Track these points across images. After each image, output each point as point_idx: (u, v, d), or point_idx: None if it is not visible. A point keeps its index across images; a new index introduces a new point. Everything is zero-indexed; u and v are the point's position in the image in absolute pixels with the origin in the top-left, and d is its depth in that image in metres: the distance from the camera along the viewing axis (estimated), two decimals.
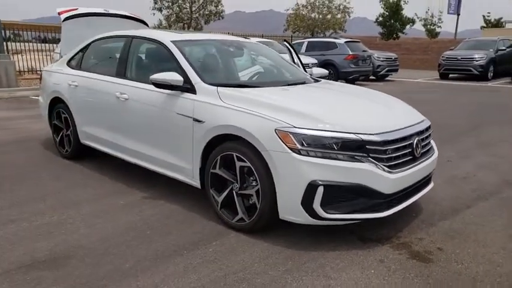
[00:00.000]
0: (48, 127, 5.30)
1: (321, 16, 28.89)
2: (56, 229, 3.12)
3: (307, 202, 2.68)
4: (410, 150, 2.97)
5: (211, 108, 3.14)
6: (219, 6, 27.04)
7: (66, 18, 5.08)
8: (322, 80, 4.16)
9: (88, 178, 4.28)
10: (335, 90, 3.89)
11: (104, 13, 5.41)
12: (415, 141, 3.02)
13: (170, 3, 27.08)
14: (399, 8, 28.26)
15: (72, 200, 3.69)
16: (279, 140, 2.71)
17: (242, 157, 2.93)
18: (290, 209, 2.76)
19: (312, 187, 2.64)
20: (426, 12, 30.34)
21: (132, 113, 3.80)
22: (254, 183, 2.95)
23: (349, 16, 29.17)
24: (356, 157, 2.69)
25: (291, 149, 2.68)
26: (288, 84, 3.76)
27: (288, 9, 31.19)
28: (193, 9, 27.12)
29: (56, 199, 3.71)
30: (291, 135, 2.69)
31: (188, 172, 3.40)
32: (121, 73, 4.03)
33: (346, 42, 14.39)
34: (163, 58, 3.76)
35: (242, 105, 3.01)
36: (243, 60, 4.28)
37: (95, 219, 3.29)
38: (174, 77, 3.32)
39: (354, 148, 2.70)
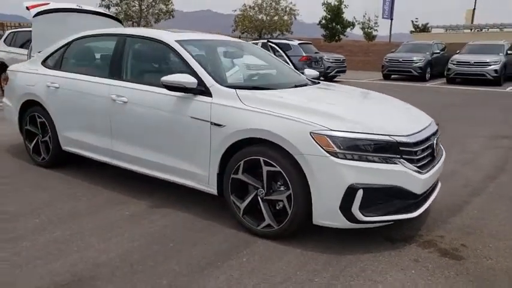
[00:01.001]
0: (14, 132, 4.81)
1: (268, 18, 29.30)
2: (65, 246, 2.82)
3: (345, 206, 2.66)
4: (431, 150, 3.06)
5: (232, 111, 3.01)
6: (169, 5, 26.33)
7: (38, 14, 4.64)
8: (322, 82, 4.17)
9: (76, 187, 3.93)
10: (345, 92, 3.90)
11: (78, 9, 5.01)
12: (435, 142, 3.12)
13: (118, 1, 25.91)
14: (340, 12, 29.43)
15: (69, 213, 3.37)
16: (315, 143, 2.66)
17: (271, 161, 2.83)
18: (326, 213, 2.72)
19: (351, 191, 2.62)
20: (363, 16, 31.96)
21: (132, 117, 3.54)
22: (283, 188, 2.88)
23: (295, 18, 29.90)
24: (390, 159, 2.71)
25: (328, 152, 2.64)
26: (296, 86, 3.71)
27: (235, 10, 31.29)
28: (143, 7, 26.20)
29: (50, 212, 3.36)
30: (327, 138, 2.65)
31: (203, 178, 3.24)
32: (115, 74, 3.74)
33: (299, 44, 14.66)
34: (167, 59, 3.56)
35: (268, 107, 2.92)
36: (245, 61, 4.16)
37: (105, 233, 3.03)
38: (187, 79, 3.15)
39: (389, 150, 2.72)
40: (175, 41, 3.51)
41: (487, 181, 4.44)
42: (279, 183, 2.91)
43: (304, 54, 14.33)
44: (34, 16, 4.62)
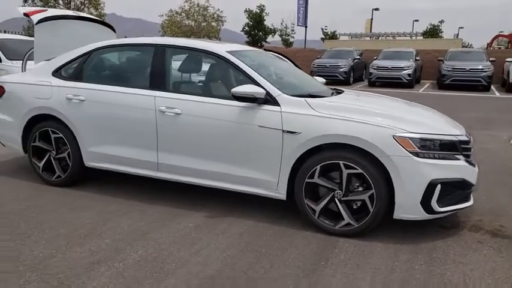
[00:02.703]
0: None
1: (196, 23, 29.15)
2: (162, 264, 2.74)
3: (426, 200, 2.99)
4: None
5: (307, 118, 3.18)
6: (99, 10, 24.73)
7: (40, 21, 4.28)
8: (345, 90, 4.46)
9: (113, 204, 3.73)
10: (382, 98, 4.16)
11: (78, 16, 4.72)
12: (471, 139, 3.61)
13: (43, 3, 23.61)
14: (262, 19, 30.44)
15: (132, 230, 3.23)
16: (399, 145, 2.96)
17: (352, 164, 3.06)
18: (408, 208, 3.03)
19: (431, 186, 2.97)
20: (281, 23, 33.40)
21: (188, 128, 3.50)
22: (361, 189, 3.13)
23: (223, 25, 30.22)
24: (456, 156, 3.12)
25: (411, 152, 2.95)
26: (332, 94, 3.95)
27: (161, 15, 30.61)
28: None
29: (111, 232, 3.20)
30: (409, 140, 2.97)
31: (271, 185, 3.35)
32: (160, 85, 3.64)
33: None
34: (219, 70, 3.59)
35: (343, 114, 3.14)
36: (277, 70, 4.29)
37: (189, 246, 2.99)
38: (255, 89, 3.25)
39: (453, 148, 3.12)
40: (227, 52, 3.56)
41: None
42: (356, 184, 3.15)
43: None
44: (37, 23, 4.26)
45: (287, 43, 33.61)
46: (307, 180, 3.21)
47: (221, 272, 2.66)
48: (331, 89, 4.36)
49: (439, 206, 3.05)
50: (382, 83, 17.98)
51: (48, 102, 4.01)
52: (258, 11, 30.20)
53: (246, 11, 30.41)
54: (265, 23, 30.86)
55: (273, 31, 31.52)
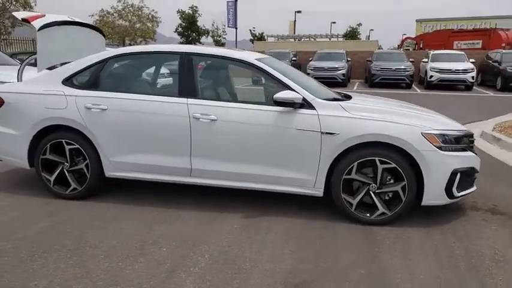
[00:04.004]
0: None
1: (130, 24, 27.94)
2: (235, 265, 2.87)
3: (448, 187, 3.45)
4: None
5: (344, 120, 3.47)
6: (28, 8, 22.38)
7: (43, 27, 4.07)
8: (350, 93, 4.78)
9: (145, 213, 3.73)
10: (387, 100, 4.56)
11: (77, 22, 4.54)
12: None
13: None
14: (195, 20, 30.23)
15: (182, 237, 3.27)
16: (427, 141, 3.38)
17: (386, 160, 3.43)
18: (434, 195, 3.47)
19: (453, 175, 3.44)
20: (212, 25, 33.50)
21: (225, 133, 3.61)
22: (392, 181, 3.51)
23: (158, 26, 29.36)
24: (466, 148, 3.62)
25: (436, 147, 3.39)
26: (343, 97, 4.29)
27: (92, 15, 28.85)
28: None
29: (163, 240, 3.23)
30: (435, 136, 3.41)
31: (308, 183, 3.59)
32: (191, 93, 3.70)
33: None
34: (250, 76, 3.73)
35: (374, 115, 3.49)
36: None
37: (248, 247, 3.13)
38: (294, 95, 3.48)
39: (464, 141, 3.62)
40: (256, 59, 3.74)
41: None
42: (388, 177, 3.52)
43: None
44: (39, 29, 4.04)
45: (219, 44, 33.81)
46: (344, 176, 3.51)
47: (296, 267, 2.86)
48: (336, 92, 4.68)
49: (458, 192, 3.53)
50: (319, 82, 18.93)
51: (62, 113, 3.84)
52: (191, 12, 29.98)
53: (178, 11, 30.01)
54: (198, 23, 30.72)
55: (206, 32, 31.52)
